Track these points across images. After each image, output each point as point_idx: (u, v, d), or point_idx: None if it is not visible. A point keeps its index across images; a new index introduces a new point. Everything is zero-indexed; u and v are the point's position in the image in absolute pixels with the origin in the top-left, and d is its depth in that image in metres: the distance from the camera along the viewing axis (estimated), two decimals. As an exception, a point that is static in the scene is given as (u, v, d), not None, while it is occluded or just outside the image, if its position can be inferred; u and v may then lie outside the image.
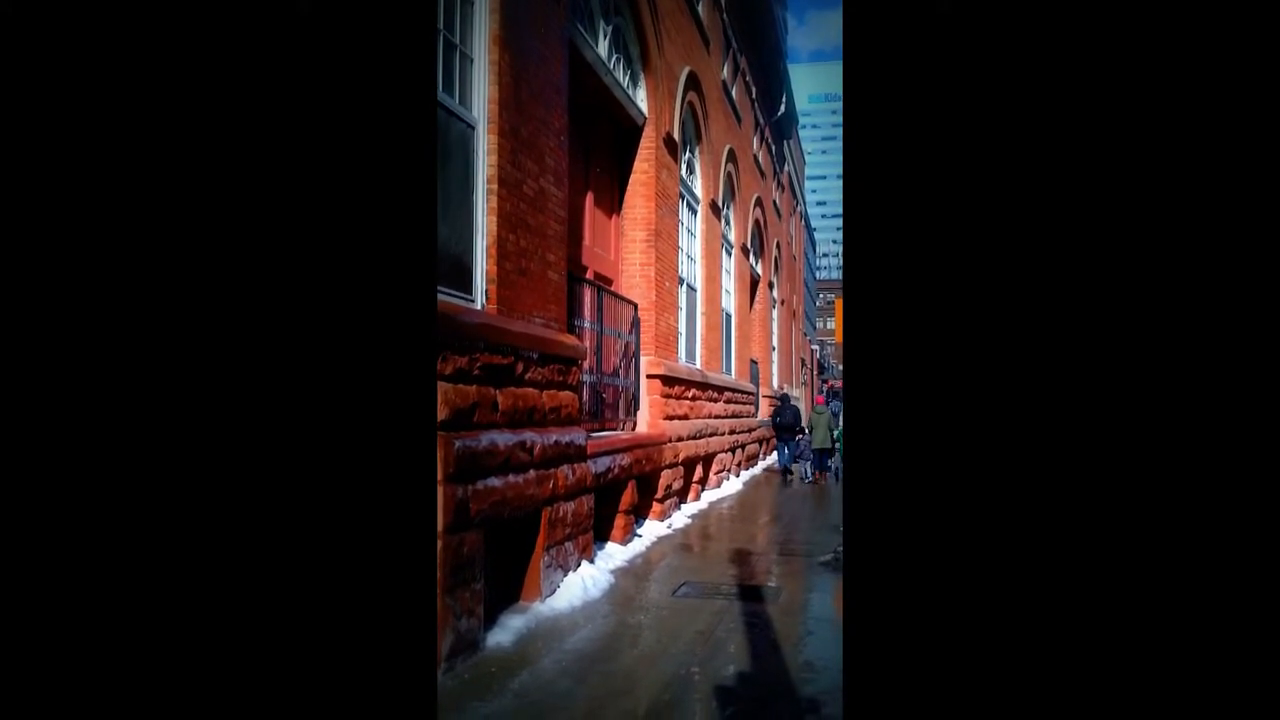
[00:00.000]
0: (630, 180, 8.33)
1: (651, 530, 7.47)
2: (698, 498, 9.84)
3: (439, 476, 3.60)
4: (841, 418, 13.62)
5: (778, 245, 20.36)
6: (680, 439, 8.71)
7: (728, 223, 13.23)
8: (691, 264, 10.75)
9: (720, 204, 11.83)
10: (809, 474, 13.39)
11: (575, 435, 5.41)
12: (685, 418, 9.10)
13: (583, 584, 5.15)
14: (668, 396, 8.40)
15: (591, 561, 5.66)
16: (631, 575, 5.77)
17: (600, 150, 7.82)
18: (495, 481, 4.16)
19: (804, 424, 14.03)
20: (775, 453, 14.43)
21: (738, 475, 12.61)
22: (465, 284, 4.44)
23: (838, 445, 13.08)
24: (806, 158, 36.55)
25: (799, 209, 28.94)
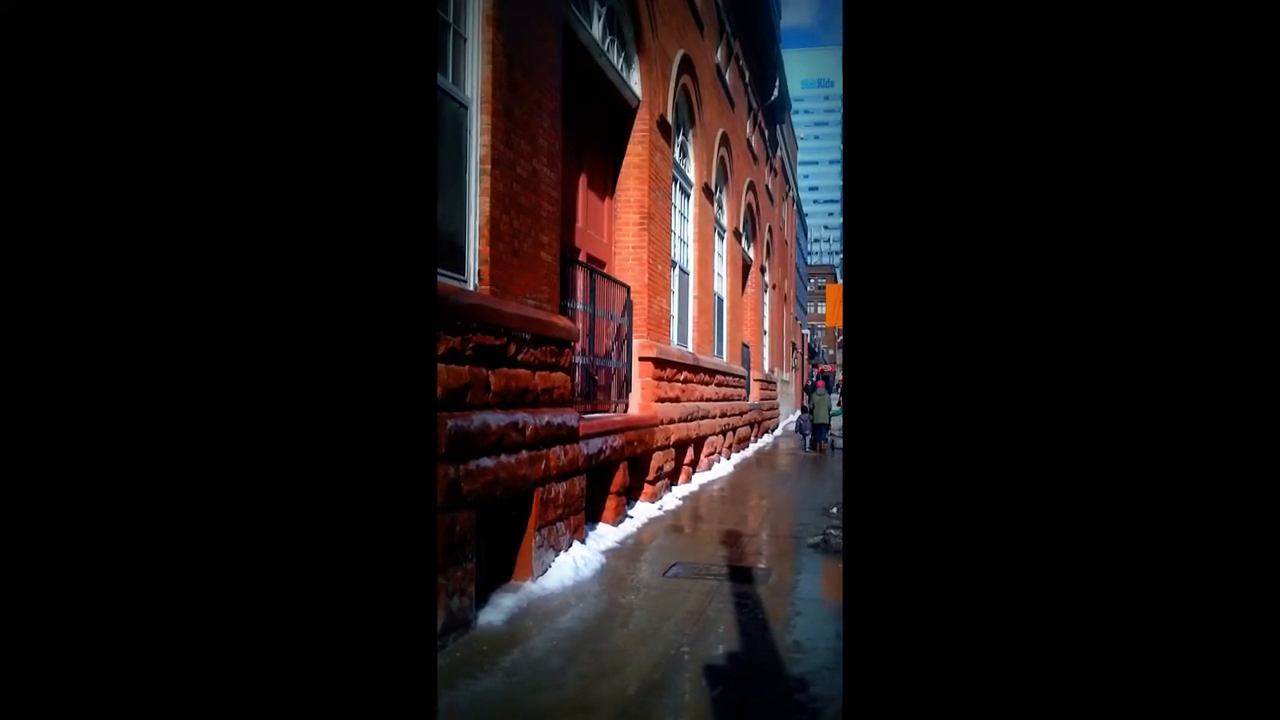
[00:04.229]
0: (624, 163, 8.31)
1: (643, 511, 7.50)
2: (689, 480, 9.87)
3: (431, 456, 3.60)
4: (836, 398, 17.25)
5: (770, 230, 20.33)
6: (672, 421, 8.72)
7: (720, 207, 13.20)
8: (684, 247, 10.74)
9: (713, 188, 11.80)
10: (809, 445, 16.16)
11: (567, 416, 5.42)
12: (677, 400, 9.12)
13: (574, 564, 5.17)
14: (659, 379, 8.42)
15: (583, 542, 5.69)
16: (622, 556, 5.80)
17: (594, 132, 7.78)
18: (487, 462, 4.17)
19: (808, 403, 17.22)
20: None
21: (728, 458, 12.66)
22: (458, 264, 4.43)
23: (835, 420, 16.46)
24: (799, 143, 36.43)
25: (791, 194, 28.89)
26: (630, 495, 7.61)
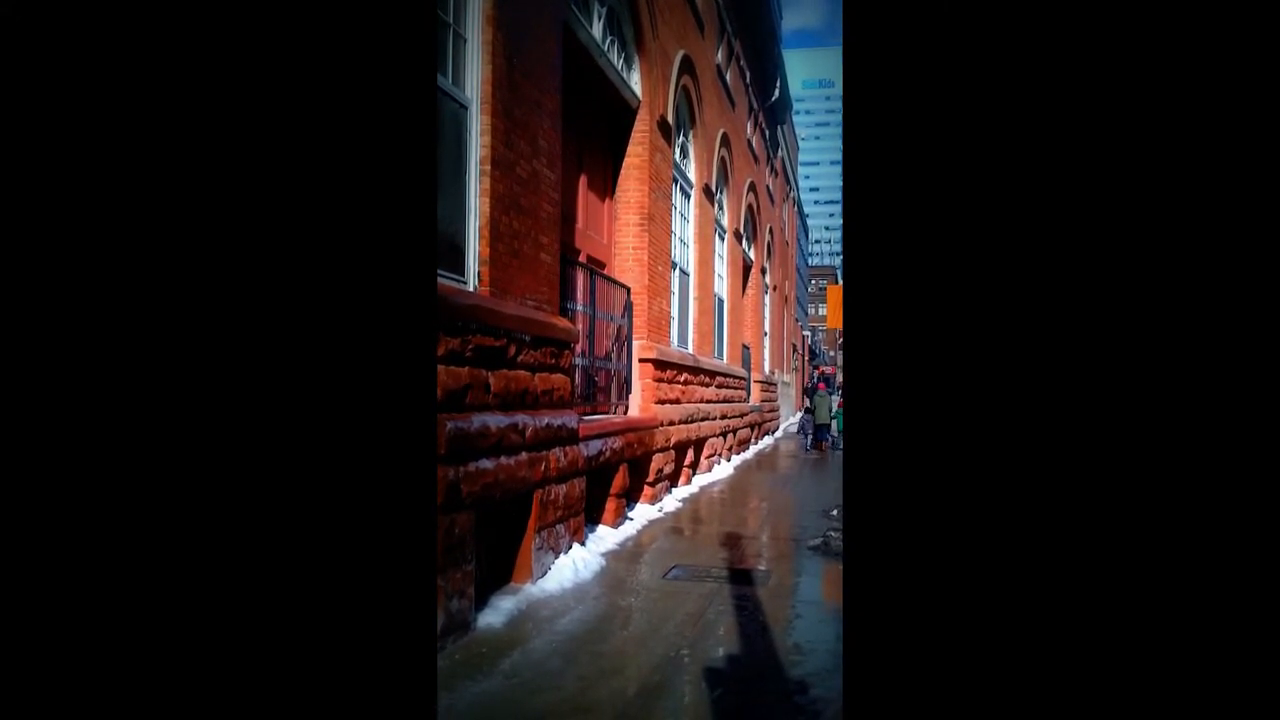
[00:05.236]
0: (624, 163, 8.30)
1: (642, 513, 7.49)
2: (689, 481, 9.86)
3: (431, 457, 3.60)
4: (835, 399, 17.85)
5: (770, 231, 20.33)
6: (672, 423, 8.72)
7: (721, 207, 13.20)
8: (684, 248, 10.73)
9: (713, 188, 11.79)
10: (811, 445, 16.77)
11: (567, 418, 5.41)
12: (677, 402, 9.11)
13: (574, 566, 5.16)
14: (659, 380, 8.41)
15: (583, 544, 5.68)
16: (622, 558, 5.79)
17: (594, 133, 7.78)
18: (487, 463, 4.16)
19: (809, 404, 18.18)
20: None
21: (728, 459, 12.65)
22: (457, 265, 4.43)
23: (835, 421, 17.00)
24: (800, 143, 36.45)
25: (792, 195, 28.89)
26: (630, 497, 7.60)
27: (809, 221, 57.98)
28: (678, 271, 10.24)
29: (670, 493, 8.82)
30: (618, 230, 8.31)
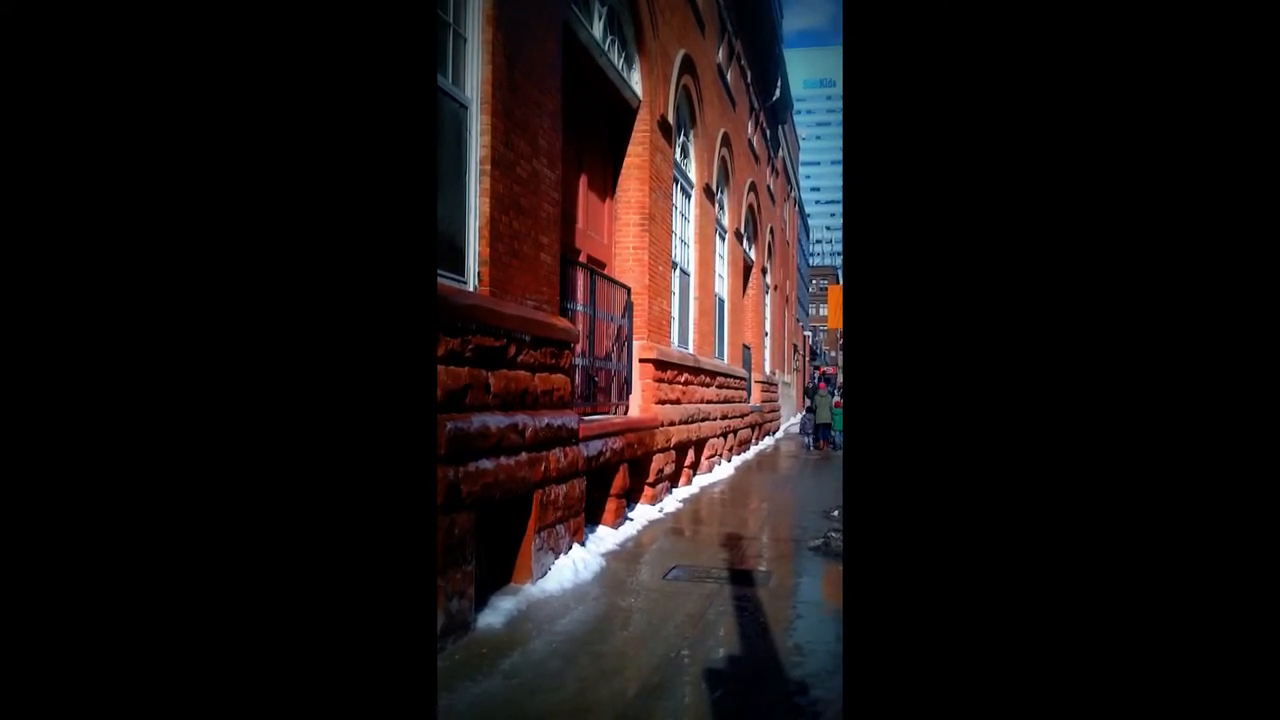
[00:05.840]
0: (624, 163, 8.30)
1: (643, 514, 7.49)
2: (689, 482, 9.86)
3: (431, 458, 3.60)
4: (835, 398, 18.01)
5: (771, 231, 20.33)
6: (672, 423, 8.71)
7: (721, 207, 13.19)
8: (685, 248, 10.73)
9: (714, 188, 11.79)
10: (813, 444, 16.98)
11: (567, 418, 5.41)
12: (677, 402, 9.11)
13: (574, 566, 5.16)
14: (660, 381, 8.41)
15: (583, 544, 5.68)
16: (622, 558, 5.79)
17: (594, 133, 7.78)
18: (487, 463, 4.16)
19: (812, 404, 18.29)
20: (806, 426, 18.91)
21: (729, 460, 12.65)
22: (457, 265, 4.43)
23: (835, 420, 17.18)
24: (801, 143, 36.44)
25: (793, 194, 28.88)
26: (630, 498, 7.60)
27: (810, 221, 57.92)
28: (678, 271, 10.23)
29: (671, 493, 8.82)
30: (618, 230, 8.31)
